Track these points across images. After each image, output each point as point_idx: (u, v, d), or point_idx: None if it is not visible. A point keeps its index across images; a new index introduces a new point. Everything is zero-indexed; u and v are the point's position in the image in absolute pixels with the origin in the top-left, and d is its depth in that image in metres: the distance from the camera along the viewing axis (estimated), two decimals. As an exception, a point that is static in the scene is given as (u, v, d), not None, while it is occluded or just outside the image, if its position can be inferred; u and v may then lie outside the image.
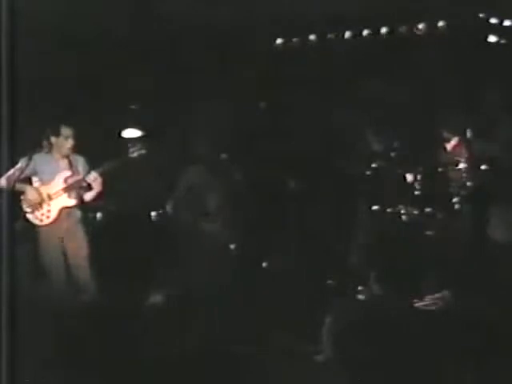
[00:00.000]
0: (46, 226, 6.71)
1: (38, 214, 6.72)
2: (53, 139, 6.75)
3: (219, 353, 2.80)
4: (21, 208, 6.72)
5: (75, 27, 7.64)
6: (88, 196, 6.82)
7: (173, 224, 7.53)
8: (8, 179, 6.56)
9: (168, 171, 7.87)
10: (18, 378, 2.70)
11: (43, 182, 6.78)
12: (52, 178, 6.78)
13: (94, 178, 6.71)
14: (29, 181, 6.81)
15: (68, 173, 6.81)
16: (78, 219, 6.80)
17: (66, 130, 6.75)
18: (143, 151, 6.90)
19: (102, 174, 6.75)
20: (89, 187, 6.79)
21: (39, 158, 6.77)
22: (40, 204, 6.71)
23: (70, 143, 6.76)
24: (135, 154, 6.88)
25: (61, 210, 6.75)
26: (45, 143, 6.76)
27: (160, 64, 8.26)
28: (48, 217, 6.72)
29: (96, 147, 7.22)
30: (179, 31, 7.94)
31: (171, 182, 7.69)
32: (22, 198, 6.74)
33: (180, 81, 8.24)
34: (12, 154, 5.75)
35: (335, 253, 6.91)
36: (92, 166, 6.86)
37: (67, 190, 6.76)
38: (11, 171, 6.54)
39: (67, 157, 6.81)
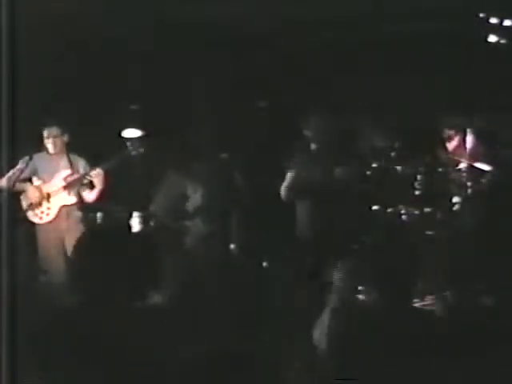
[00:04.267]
0: (45, 224, 6.73)
1: (37, 211, 6.73)
2: (46, 142, 6.80)
3: (218, 353, 2.80)
4: (20, 206, 6.74)
5: (75, 27, 7.64)
6: (90, 196, 6.83)
7: (172, 224, 7.53)
8: (8, 180, 6.57)
9: (167, 171, 7.87)
10: (19, 377, 2.70)
11: (43, 181, 6.80)
12: (52, 177, 6.81)
13: (97, 174, 6.73)
14: (29, 181, 6.83)
15: (68, 171, 6.83)
16: (78, 218, 6.82)
17: (51, 131, 6.79)
18: (141, 149, 6.94)
19: (104, 172, 6.78)
20: (91, 185, 6.81)
21: (39, 158, 6.80)
22: (39, 202, 6.73)
23: (60, 141, 6.80)
24: (134, 153, 6.92)
25: (61, 208, 6.76)
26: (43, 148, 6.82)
27: (160, 64, 8.25)
28: (48, 214, 6.74)
29: (96, 147, 7.23)
30: (180, 31, 7.93)
31: (169, 182, 7.69)
32: (21, 196, 6.76)
33: (180, 80, 8.24)
34: (12, 154, 5.76)
35: (335, 253, 6.89)
36: (92, 166, 6.89)
37: (67, 187, 6.79)
38: (11, 172, 6.55)
39: (67, 155, 6.84)
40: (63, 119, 7.25)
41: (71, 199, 6.80)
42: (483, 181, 7.11)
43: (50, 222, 6.73)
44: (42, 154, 6.84)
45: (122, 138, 8.27)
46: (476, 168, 7.14)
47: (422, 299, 6.24)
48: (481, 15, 7.73)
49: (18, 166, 6.61)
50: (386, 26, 8.15)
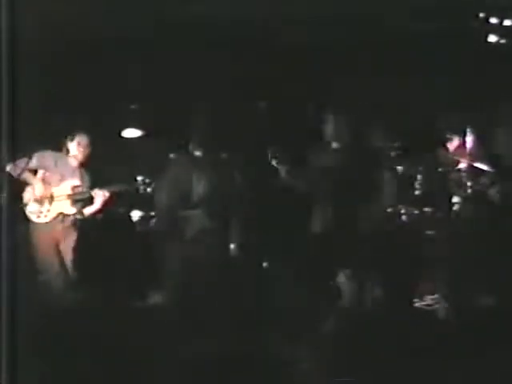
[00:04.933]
0: (41, 223, 6.74)
1: (36, 209, 6.73)
2: (70, 145, 6.82)
3: (218, 353, 2.80)
4: (21, 199, 6.74)
5: (75, 27, 7.63)
6: (87, 210, 6.87)
7: (172, 224, 7.52)
8: (13, 169, 6.55)
9: (167, 171, 7.86)
10: (19, 377, 2.70)
11: (51, 180, 6.81)
12: (61, 181, 6.82)
13: (102, 195, 6.76)
14: (34, 173, 6.85)
15: (77, 182, 6.85)
16: (73, 222, 6.83)
17: (83, 139, 6.83)
18: (150, 190, 6.99)
19: (109, 193, 6.83)
20: (91, 201, 6.84)
21: (53, 157, 6.81)
22: (42, 202, 6.74)
23: (88, 151, 6.84)
24: (143, 189, 6.96)
25: (58, 214, 6.77)
26: (64, 150, 6.84)
27: (160, 64, 8.25)
28: (45, 216, 6.74)
29: (96, 147, 7.23)
30: (180, 31, 7.93)
31: (170, 183, 7.69)
32: (26, 189, 6.75)
33: (180, 80, 8.24)
34: (12, 154, 5.77)
35: (335, 253, 6.90)
36: (93, 177, 6.93)
37: (71, 197, 6.80)
38: (14, 164, 6.53)
39: (79, 166, 6.88)
40: (63, 119, 7.27)
41: (72, 210, 6.82)
42: (483, 181, 7.12)
43: (46, 224, 6.74)
44: (60, 155, 6.86)
45: (122, 138, 8.29)
46: (476, 168, 7.15)
47: (422, 299, 6.25)
48: (481, 15, 7.73)
49: (22, 160, 6.59)
50: (386, 26, 8.15)
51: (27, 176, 6.71)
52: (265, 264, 7.20)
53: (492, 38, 7.77)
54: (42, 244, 6.68)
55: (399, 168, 7.40)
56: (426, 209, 7.16)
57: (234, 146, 7.93)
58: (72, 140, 6.86)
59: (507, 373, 3.23)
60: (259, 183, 7.76)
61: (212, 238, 7.30)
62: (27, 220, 6.74)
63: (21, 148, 6.22)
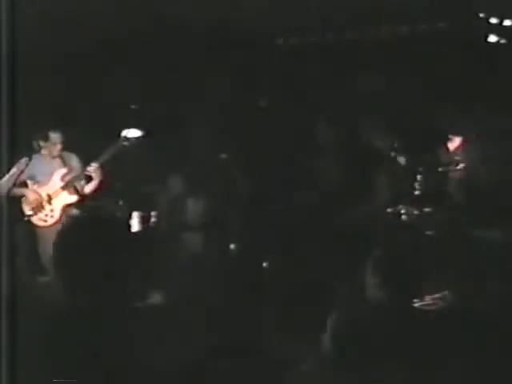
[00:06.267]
0: (51, 225, 6.70)
1: (41, 215, 6.71)
2: (41, 143, 6.75)
3: (217, 353, 2.80)
4: (22, 212, 6.70)
5: (75, 27, 7.64)
6: (88, 188, 6.84)
7: (172, 224, 7.53)
8: (7, 182, 6.52)
9: (167, 171, 7.87)
10: (19, 378, 2.70)
11: (40, 184, 6.77)
12: (49, 178, 6.78)
13: (95, 169, 6.74)
14: (25, 185, 6.80)
15: (64, 170, 6.81)
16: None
17: (54, 136, 6.75)
18: (133, 140, 6.94)
19: (100, 166, 6.78)
20: (89, 179, 6.81)
21: (35, 161, 6.74)
22: (41, 205, 6.71)
23: (58, 147, 6.77)
24: (126, 143, 6.91)
25: (63, 208, 6.75)
26: (35, 146, 6.76)
27: (160, 64, 8.26)
28: (52, 216, 6.72)
29: (96, 147, 7.23)
30: (179, 31, 7.94)
31: (170, 182, 7.69)
32: (22, 202, 6.73)
33: (180, 80, 8.24)
34: (12, 155, 5.75)
35: (335, 253, 6.91)
36: (86, 163, 6.88)
37: (66, 187, 6.77)
38: (6, 177, 6.50)
39: (59, 156, 6.82)
40: (63, 120, 7.26)
41: (72, 198, 6.79)
42: (483, 180, 7.12)
43: (55, 224, 6.69)
44: (37, 156, 6.78)
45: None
46: (476, 168, 7.16)
47: (422, 299, 6.24)
48: (481, 15, 7.74)
49: (12, 171, 6.53)
50: (385, 26, 8.16)
51: (18, 191, 6.66)
52: (265, 264, 7.20)
53: (492, 38, 7.78)
54: (50, 244, 6.63)
55: (399, 168, 7.41)
56: (426, 209, 7.16)
57: (234, 146, 7.94)
58: (45, 139, 6.74)
59: (507, 373, 3.23)
60: (259, 183, 7.78)
61: (212, 241, 7.32)
62: (36, 227, 6.70)
63: (21, 149, 6.20)
